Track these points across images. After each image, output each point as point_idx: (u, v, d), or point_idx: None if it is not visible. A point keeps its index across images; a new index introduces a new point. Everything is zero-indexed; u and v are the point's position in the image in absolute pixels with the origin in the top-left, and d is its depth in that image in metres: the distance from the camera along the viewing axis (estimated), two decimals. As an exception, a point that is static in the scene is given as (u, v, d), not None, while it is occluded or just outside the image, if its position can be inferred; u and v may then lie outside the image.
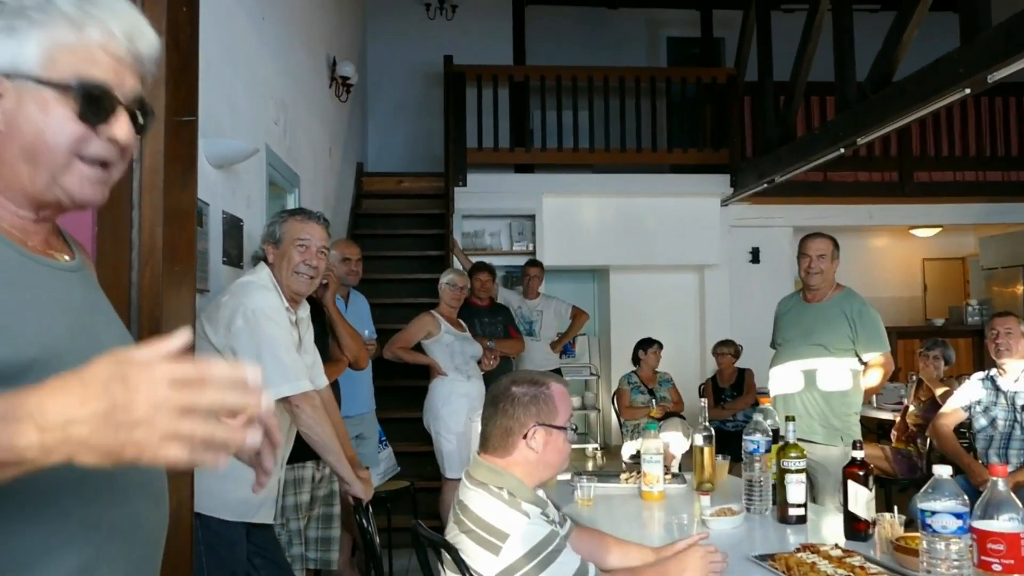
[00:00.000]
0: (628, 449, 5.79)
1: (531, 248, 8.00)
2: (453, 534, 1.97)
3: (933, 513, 1.82)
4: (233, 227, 3.51)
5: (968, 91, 4.52)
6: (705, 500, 2.79)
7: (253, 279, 2.57)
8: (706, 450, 3.15)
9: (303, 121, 5.33)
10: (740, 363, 6.56)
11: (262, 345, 2.40)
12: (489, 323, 5.50)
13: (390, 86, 9.15)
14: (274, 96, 4.49)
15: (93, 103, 0.99)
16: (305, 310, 2.74)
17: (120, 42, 1.01)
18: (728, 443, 4.94)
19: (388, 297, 6.42)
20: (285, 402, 2.43)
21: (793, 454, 2.65)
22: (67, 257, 1.10)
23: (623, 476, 3.36)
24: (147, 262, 1.96)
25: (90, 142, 1.01)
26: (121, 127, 1.02)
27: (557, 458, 2.02)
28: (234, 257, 3.51)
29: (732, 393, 6.41)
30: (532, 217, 8.08)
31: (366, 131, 8.91)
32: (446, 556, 1.97)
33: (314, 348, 2.77)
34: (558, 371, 6.38)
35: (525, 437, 1.98)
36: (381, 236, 7.40)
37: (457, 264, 6.61)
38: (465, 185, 7.75)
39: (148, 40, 1.04)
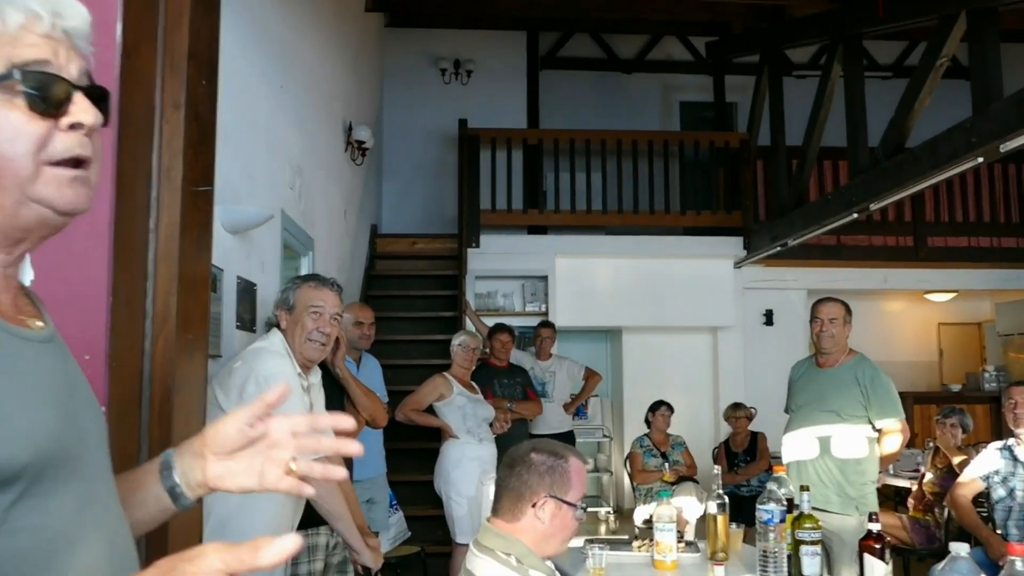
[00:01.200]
0: (641, 513, 5.70)
1: (544, 309, 8.01)
2: (461, 605, 1.95)
3: (950, 593, 1.78)
4: (247, 291, 3.55)
5: (981, 160, 4.55)
6: (719, 571, 2.74)
7: (265, 345, 2.58)
8: (720, 519, 3.10)
9: (319, 185, 5.41)
10: (754, 426, 6.49)
11: (273, 412, 2.40)
12: (508, 384, 5.49)
13: (405, 149, 9.30)
14: (291, 161, 4.57)
15: (41, 90, 0.84)
16: (316, 376, 2.74)
17: (45, 20, 0.85)
18: (742, 508, 4.87)
19: (401, 358, 6.42)
20: (294, 469, 2.42)
21: (808, 525, 2.61)
22: (39, 323, 0.93)
23: (635, 544, 3.30)
24: (160, 331, 1.98)
25: (53, 139, 0.85)
26: (82, 108, 0.87)
27: (562, 533, 2.00)
28: (247, 322, 3.54)
29: (746, 458, 6.33)
30: (545, 278, 8.11)
31: (381, 193, 9.03)
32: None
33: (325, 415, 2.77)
34: (571, 433, 6.34)
35: (535, 506, 1.97)
36: (394, 297, 7.43)
37: (470, 325, 6.62)
38: (478, 246, 7.80)
39: (76, 13, 0.89)
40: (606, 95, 10.13)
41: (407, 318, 7.17)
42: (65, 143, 0.86)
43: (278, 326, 2.66)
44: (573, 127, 8.60)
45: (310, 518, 2.76)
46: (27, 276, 1.09)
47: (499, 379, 5.45)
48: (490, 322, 6.55)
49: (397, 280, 7.79)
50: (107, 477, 0.97)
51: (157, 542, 1.59)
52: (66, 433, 0.88)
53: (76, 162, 0.87)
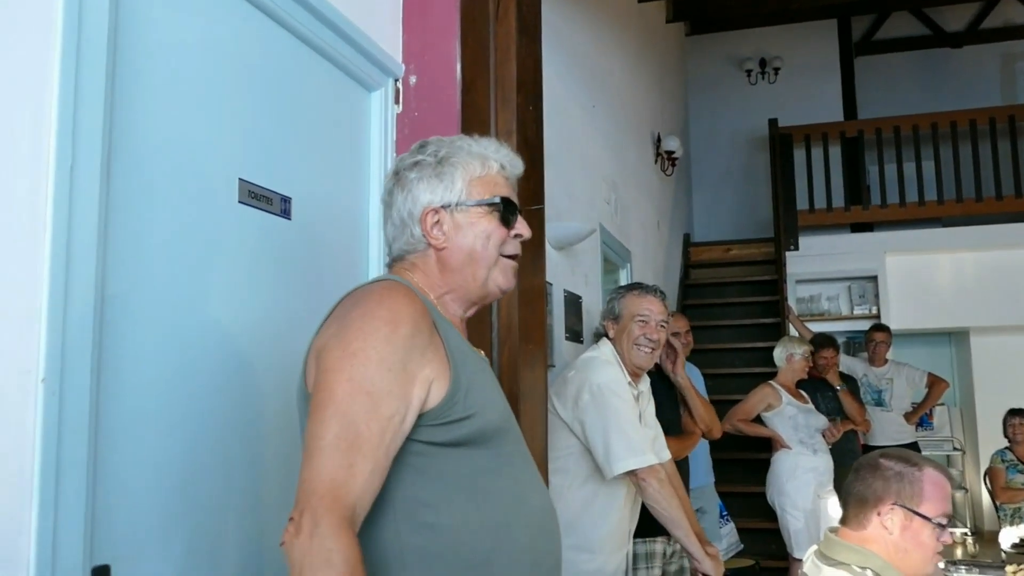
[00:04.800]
0: (1008, 536, 5.06)
1: (874, 311, 7.45)
2: (812, 622, 1.85)
3: None
4: (573, 304, 3.70)
5: None
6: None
7: (596, 355, 2.67)
8: (1118, 545, 2.66)
9: (632, 198, 5.50)
10: None
11: (608, 419, 2.48)
12: (831, 396, 5.16)
13: (713, 155, 9.14)
14: (605, 177, 4.70)
15: (506, 212, 1.34)
16: (645, 384, 2.78)
17: (508, 171, 1.39)
18: None
19: (722, 367, 6.31)
20: (631, 476, 2.47)
21: None
22: (482, 352, 1.40)
23: (1009, 569, 2.95)
24: (505, 341, 2.13)
25: (507, 243, 1.35)
26: (524, 226, 1.37)
27: (919, 551, 1.79)
28: (575, 333, 3.69)
29: None
30: (874, 278, 7.53)
31: (691, 201, 8.96)
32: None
33: (655, 422, 2.79)
34: (914, 445, 5.81)
35: (879, 514, 1.82)
36: (711, 305, 7.33)
37: (793, 331, 6.33)
38: (797, 249, 7.45)
39: (520, 165, 1.41)
40: (931, 74, 9.24)
41: (726, 326, 7.02)
42: (513, 246, 1.37)
43: (607, 335, 2.74)
44: (895, 114, 7.93)
45: (648, 527, 2.80)
46: None
47: (822, 391, 5.13)
48: (815, 327, 6.21)
49: (713, 288, 7.66)
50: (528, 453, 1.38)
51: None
52: (508, 414, 1.34)
53: (513, 258, 1.38)
